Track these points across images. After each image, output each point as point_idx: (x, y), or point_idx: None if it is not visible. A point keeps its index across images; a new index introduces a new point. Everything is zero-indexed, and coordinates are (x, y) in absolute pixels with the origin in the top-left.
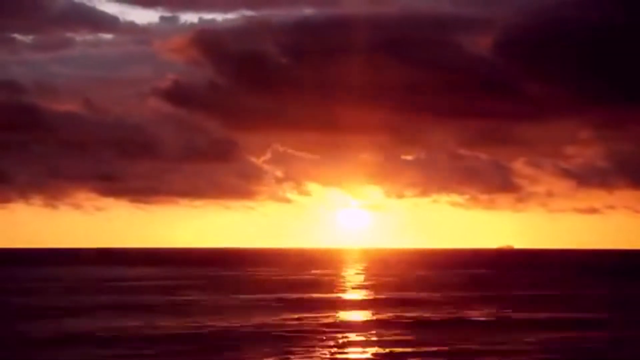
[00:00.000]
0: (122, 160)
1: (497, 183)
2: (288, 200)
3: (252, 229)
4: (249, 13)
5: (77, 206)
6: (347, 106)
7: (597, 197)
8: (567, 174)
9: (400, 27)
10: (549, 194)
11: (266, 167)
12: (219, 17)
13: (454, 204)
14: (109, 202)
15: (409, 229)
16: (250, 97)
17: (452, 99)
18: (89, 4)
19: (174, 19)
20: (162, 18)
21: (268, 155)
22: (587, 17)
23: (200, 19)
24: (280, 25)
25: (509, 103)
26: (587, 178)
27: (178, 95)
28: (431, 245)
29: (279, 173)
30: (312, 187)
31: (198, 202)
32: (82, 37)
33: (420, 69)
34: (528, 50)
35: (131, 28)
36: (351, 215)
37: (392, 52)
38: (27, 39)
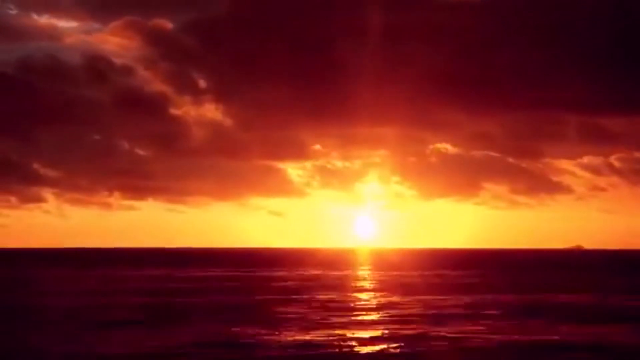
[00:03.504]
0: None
1: (546, 182)
2: (309, 200)
3: (277, 229)
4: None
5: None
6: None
7: None
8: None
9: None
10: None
11: (287, 165)
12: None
13: (508, 203)
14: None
15: (455, 229)
16: (257, 91)
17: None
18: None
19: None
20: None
21: (292, 153)
22: None
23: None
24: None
25: (555, 95)
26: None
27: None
28: (490, 246)
29: (303, 172)
30: (336, 185)
31: (211, 201)
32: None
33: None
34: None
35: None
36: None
37: (419, 38)
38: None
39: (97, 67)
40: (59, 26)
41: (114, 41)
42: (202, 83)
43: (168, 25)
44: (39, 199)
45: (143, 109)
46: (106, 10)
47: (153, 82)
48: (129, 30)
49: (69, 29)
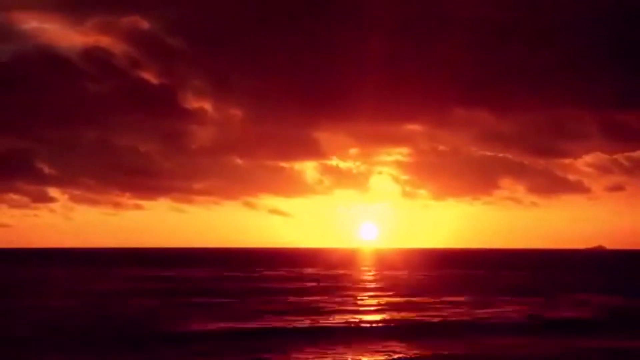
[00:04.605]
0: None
1: (560, 181)
2: (318, 199)
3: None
4: None
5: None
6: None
7: None
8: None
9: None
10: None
11: (296, 165)
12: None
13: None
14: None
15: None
16: (265, 90)
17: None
18: None
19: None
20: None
21: (301, 152)
22: None
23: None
24: None
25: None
26: None
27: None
28: (506, 246)
29: (311, 171)
30: (346, 184)
31: (219, 200)
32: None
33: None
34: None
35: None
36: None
37: (432, 34)
38: None
39: (97, 65)
40: (50, 27)
41: (113, 39)
42: (204, 82)
43: (166, 23)
44: (46, 199)
45: (145, 108)
46: (104, 9)
47: (153, 81)
48: (128, 28)
49: (61, 29)
